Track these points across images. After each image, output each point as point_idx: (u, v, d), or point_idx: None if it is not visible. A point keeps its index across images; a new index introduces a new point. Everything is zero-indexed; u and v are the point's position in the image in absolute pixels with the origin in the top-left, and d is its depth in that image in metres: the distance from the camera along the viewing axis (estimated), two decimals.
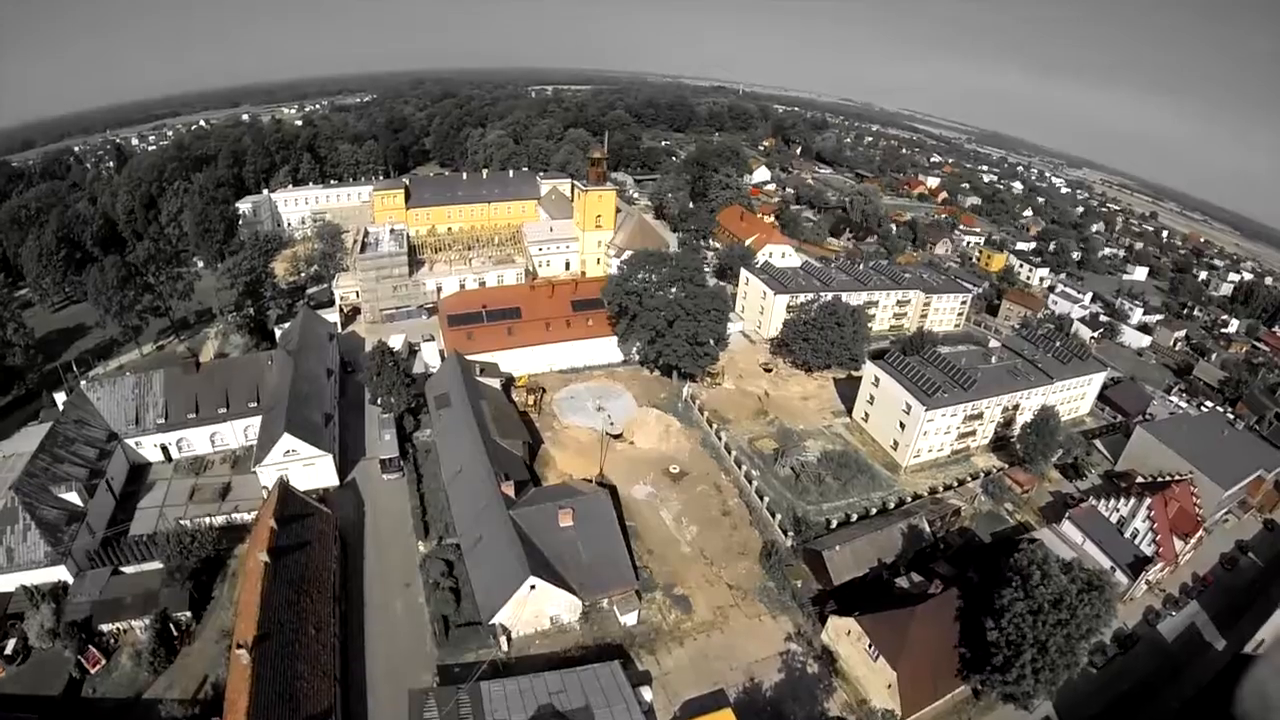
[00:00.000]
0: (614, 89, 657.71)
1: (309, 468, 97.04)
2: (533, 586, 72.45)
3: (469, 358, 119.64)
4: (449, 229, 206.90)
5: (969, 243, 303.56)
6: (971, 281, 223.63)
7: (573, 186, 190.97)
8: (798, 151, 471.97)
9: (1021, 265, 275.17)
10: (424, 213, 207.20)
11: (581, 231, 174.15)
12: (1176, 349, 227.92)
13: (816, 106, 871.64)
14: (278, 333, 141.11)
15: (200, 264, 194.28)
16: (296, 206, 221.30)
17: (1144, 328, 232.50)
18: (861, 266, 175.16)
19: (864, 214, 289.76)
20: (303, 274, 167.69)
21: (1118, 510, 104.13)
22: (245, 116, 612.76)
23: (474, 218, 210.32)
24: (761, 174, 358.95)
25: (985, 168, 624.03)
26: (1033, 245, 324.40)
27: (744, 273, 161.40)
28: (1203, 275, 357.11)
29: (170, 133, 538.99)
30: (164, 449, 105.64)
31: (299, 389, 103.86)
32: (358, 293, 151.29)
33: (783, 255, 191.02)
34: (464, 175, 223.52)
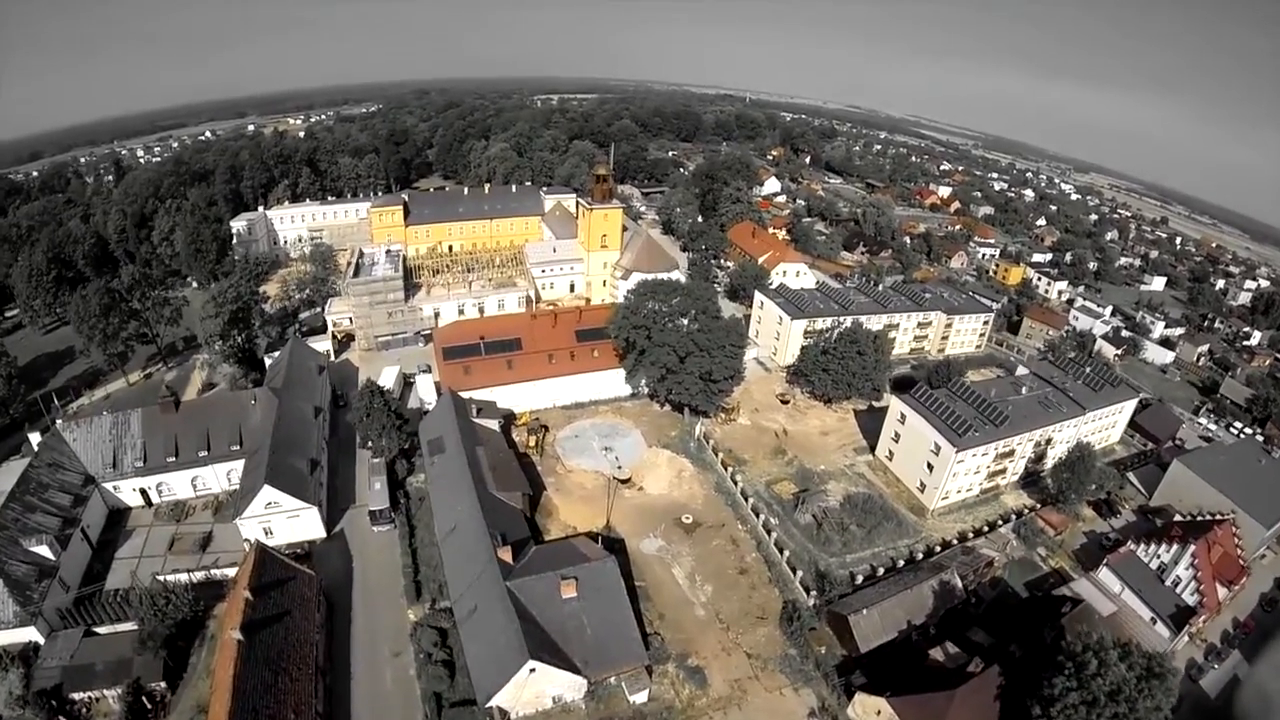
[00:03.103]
0: (620, 98, 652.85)
1: (293, 520, 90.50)
2: (532, 669, 65.23)
3: (466, 394, 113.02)
4: (450, 247, 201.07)
5: (985, 255, 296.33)
6: (990, 297, 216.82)
7: (577, 203, 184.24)
8: (806, 161, 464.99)
9: (1039, 278, 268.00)
10: (423, 230, 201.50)
11: (586, 252, 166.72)
12: (1200, 364, 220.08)
13: (823, 114, 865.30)
14: (268, 361, 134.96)
15: (194, 285, 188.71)
16: (293, 224, 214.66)
17: (1166, 342, 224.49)
18: (881, 286, 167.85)
19: (877, 226, 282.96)
20: (294, 298, 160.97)
21: (1158, 556, 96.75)
22: (251, 128, 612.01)
23: (476, 235, 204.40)
24: (771, 185, 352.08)
25: (995, 175, 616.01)
26: (1049, 256, 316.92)
27: (758, 295, 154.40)
28: (1220, 284, 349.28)
29: (175, 144, 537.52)
30: (144, 493, 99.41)
31: (283, 432, 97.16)
32: (351, 319, 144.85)
33: (797, 274, 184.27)
34: (465, 190, 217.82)
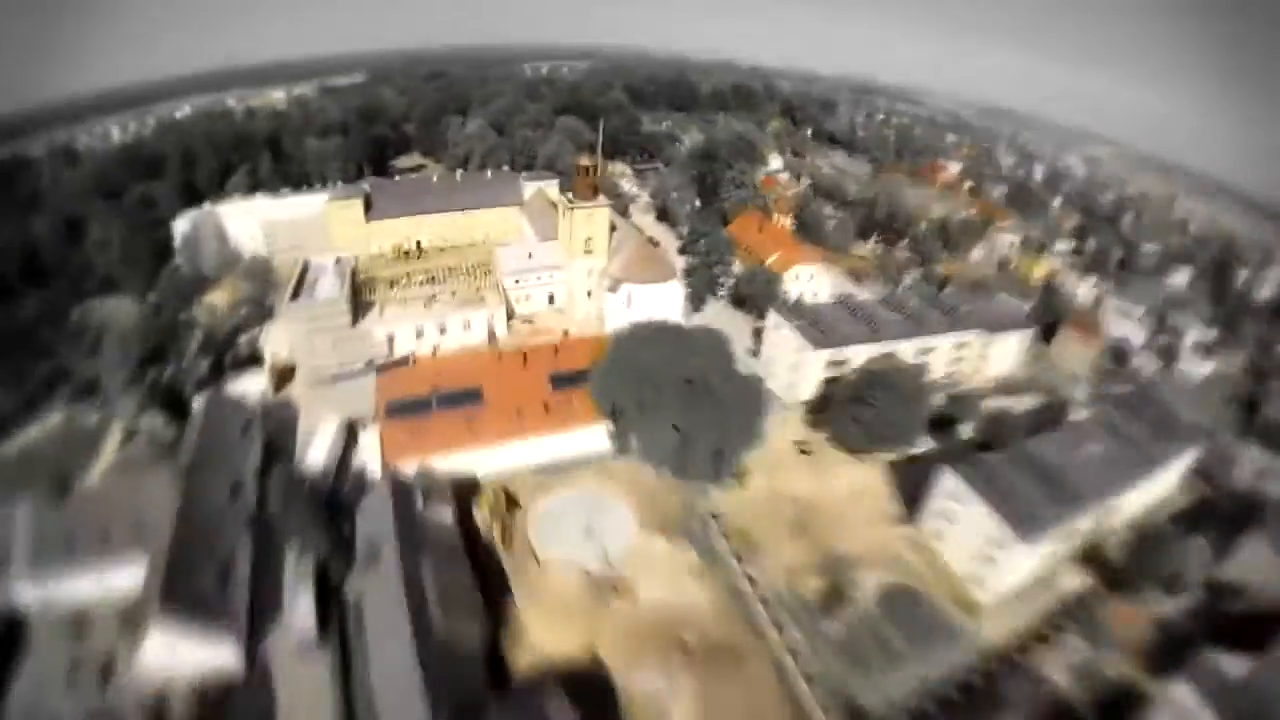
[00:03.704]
0: (612, 66, 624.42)
1: (202, 649, 71.10)
2: None
3: (413, 461, 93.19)
4: (418, 243, 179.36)
5: (1007, 244, 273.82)
6: (1016, 297, 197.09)
7: (561, 190, 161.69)
8: (809, 134, 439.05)
9: (1065, 270, 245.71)
10: (387, 226, 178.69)
11: (568, 257, 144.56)
12: (1235, 375, 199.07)
13: (820, 81, 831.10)
14: (195, 405, 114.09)
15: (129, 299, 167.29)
16: (246, 221, 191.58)
17: (1201, 348, 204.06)
18: (914, 301, 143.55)
19: (890, 212, 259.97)
20: (223, 325, 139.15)
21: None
22: (231, 101, 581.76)
23: (447, 229, 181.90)
24: (774, 162, 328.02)
25: (1001, 148, 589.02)
26: (1071, 245, 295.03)
27: (772, 315, 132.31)
28: (1242, 274, 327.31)
29: (153, 120, 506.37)
30: (43, 601, 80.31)
31: (185, 535, 77.55)
32: (290, 349, 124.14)
33: (810, 277, 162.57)
34: (434, 178, 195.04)
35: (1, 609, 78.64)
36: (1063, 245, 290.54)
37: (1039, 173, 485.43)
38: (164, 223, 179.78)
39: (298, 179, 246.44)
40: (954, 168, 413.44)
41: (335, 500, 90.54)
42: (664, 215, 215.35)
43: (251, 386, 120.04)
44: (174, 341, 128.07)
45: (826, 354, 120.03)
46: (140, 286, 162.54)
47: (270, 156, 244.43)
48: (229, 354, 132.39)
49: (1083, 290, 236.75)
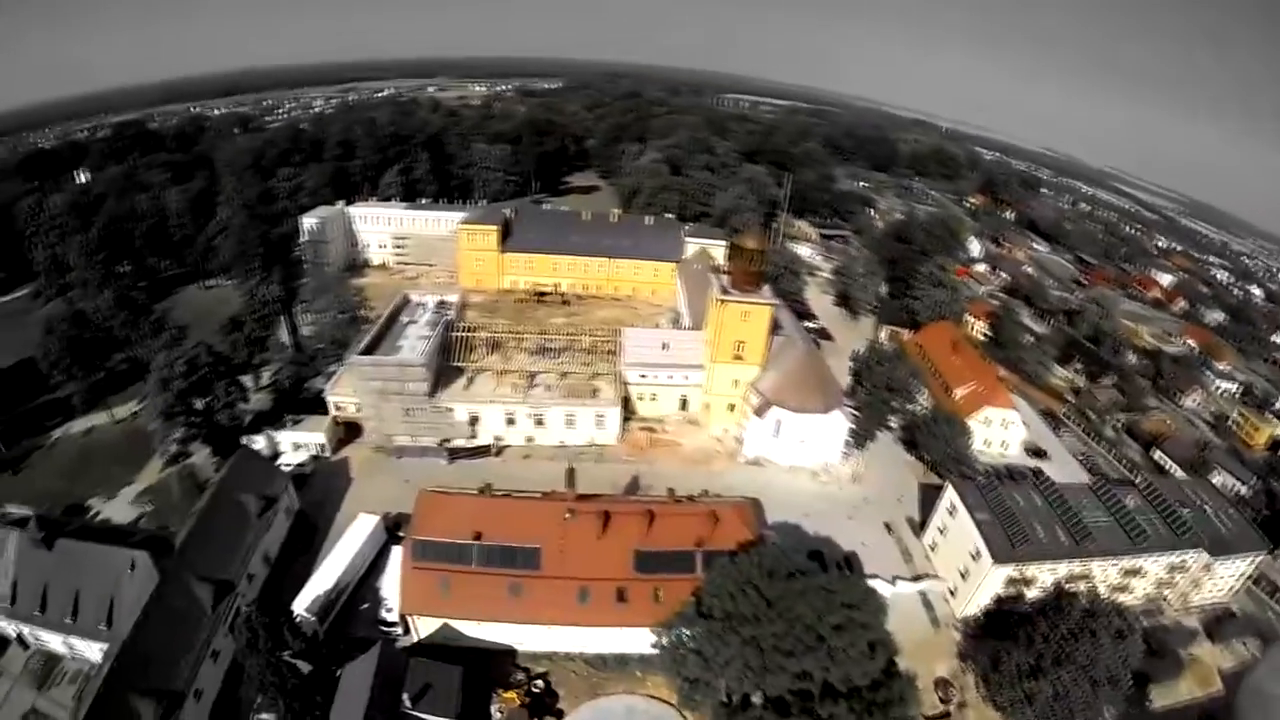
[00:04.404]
0: (812, 110, 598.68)
1: None
2: None
3: (436, 623, 73.15)
4: (557, 288, 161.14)
5: (1223, 391, 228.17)
6: (1236, 467, 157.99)
7: (729, 251, 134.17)
8: (1010, 217, 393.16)
9: None
10: (522, 260, 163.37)
11: (711, 361, 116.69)
12: None
13: (1020, 155, 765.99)
14: (248, 443, 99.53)
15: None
16: (375, 226, 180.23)
17: None
18: (1131, 500, 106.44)
19: (1098, 332, 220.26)
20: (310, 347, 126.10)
21: None
22: (431, 89, 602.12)
23: (591, 274, 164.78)
24: (973, 247, 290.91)
25: (1214, 259, 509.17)
26: None
27: (950, 493, 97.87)
28: None
29: (353, 98, 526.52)
30: (19, 636, 76.73)
31: (144, 642, 64.57)
32: (358, 406, 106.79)
33: (1004, 424, 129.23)
34: (584, 214, 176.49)
35: None
36: None
37: (1257, 294, 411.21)
38: (276, 221, 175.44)
39: (456, 186, 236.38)
40: (1164, 279, 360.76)
41: (331, 645, 70.91)
42: (844, 299, 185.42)
43: (312, 438, 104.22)
44: (251, 357, 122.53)
45: (1009, 571, 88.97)
46: (245, 278, 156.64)
47: (429, 157, 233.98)
48: (303, 387, 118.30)
49: None
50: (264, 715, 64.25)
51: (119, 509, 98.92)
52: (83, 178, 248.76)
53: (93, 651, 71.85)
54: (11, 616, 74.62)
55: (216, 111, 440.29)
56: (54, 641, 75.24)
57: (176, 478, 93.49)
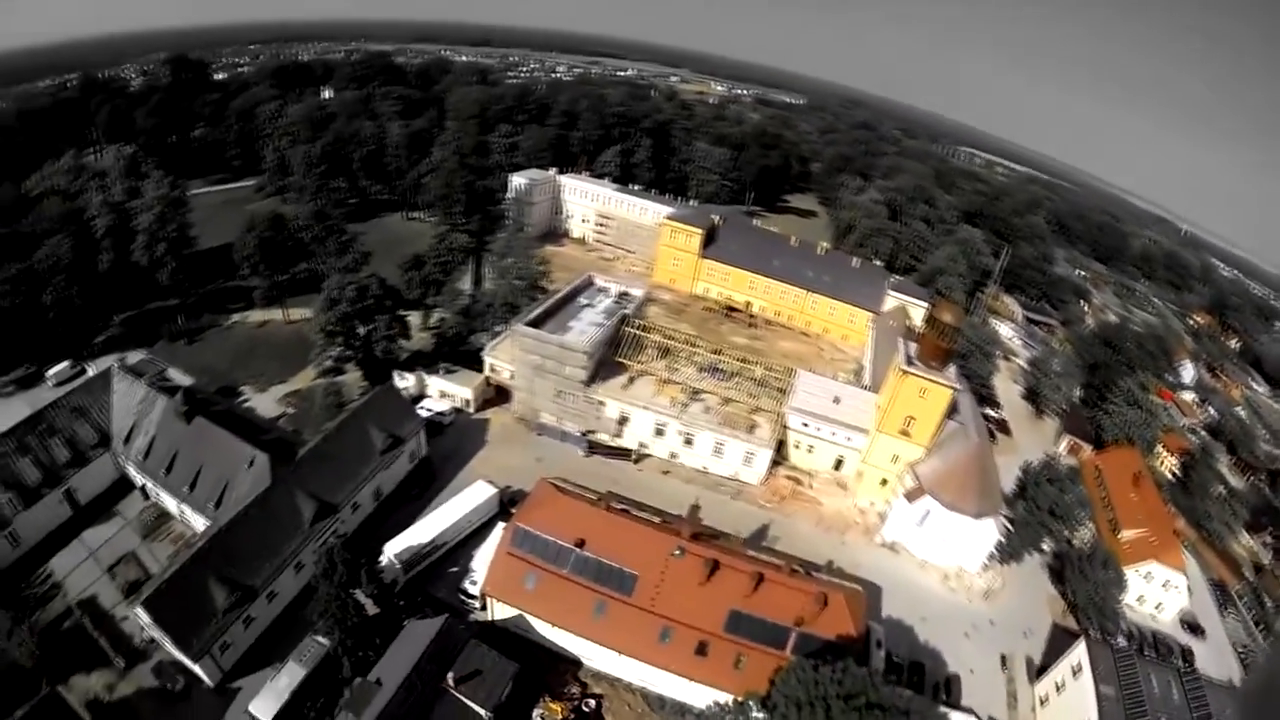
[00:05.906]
0: (1047, 181, 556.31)
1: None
2: None
3: (507, 613, 70.75)
4: (748, 306, 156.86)
5: None
6: None
7: (925, 317, 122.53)
8: (1235, 347, 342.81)
9: None
10: (718, 270, 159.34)
11: (877, 429, 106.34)
12: None
13: (1262, 279, 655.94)
14: (397, 378, 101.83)
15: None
16: (582, 200, 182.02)
17: None
18: None
19: None
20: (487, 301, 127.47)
21: None
22: (673, 79, 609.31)
23: (783, 302, 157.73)
24: (1184, 372, 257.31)
25: None
26: None
27: (1079, 654, 78.77)
28: None
29: (596, 71, 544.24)
30: (143, 488, 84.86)
31: (237, 537, 67.50)
32: (512, 373, 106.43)
33: (1165, 586, 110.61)
34: (793, 239, 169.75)
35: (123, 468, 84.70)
36: None
37: None
38: (479, 175, 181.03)
39: (672, 179, 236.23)
40: None
41: (409, 597, 70.88)
42: (1033, 395, 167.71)
43: (459, 390, 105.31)
44: (424, 296, 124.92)
45: None
46: (446, 218, 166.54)
47: (652, 144, 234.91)
48: (466, 339, 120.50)
49: None
50: (320, 637, 63.95)
51: (265, 402, 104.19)
52: (327, 93, 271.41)
53: (199, 523, 76.09)
54: (142, 470, 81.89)
55: (462, 58, 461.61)
56: (170, 503, 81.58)
57: (322, 391, 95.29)
